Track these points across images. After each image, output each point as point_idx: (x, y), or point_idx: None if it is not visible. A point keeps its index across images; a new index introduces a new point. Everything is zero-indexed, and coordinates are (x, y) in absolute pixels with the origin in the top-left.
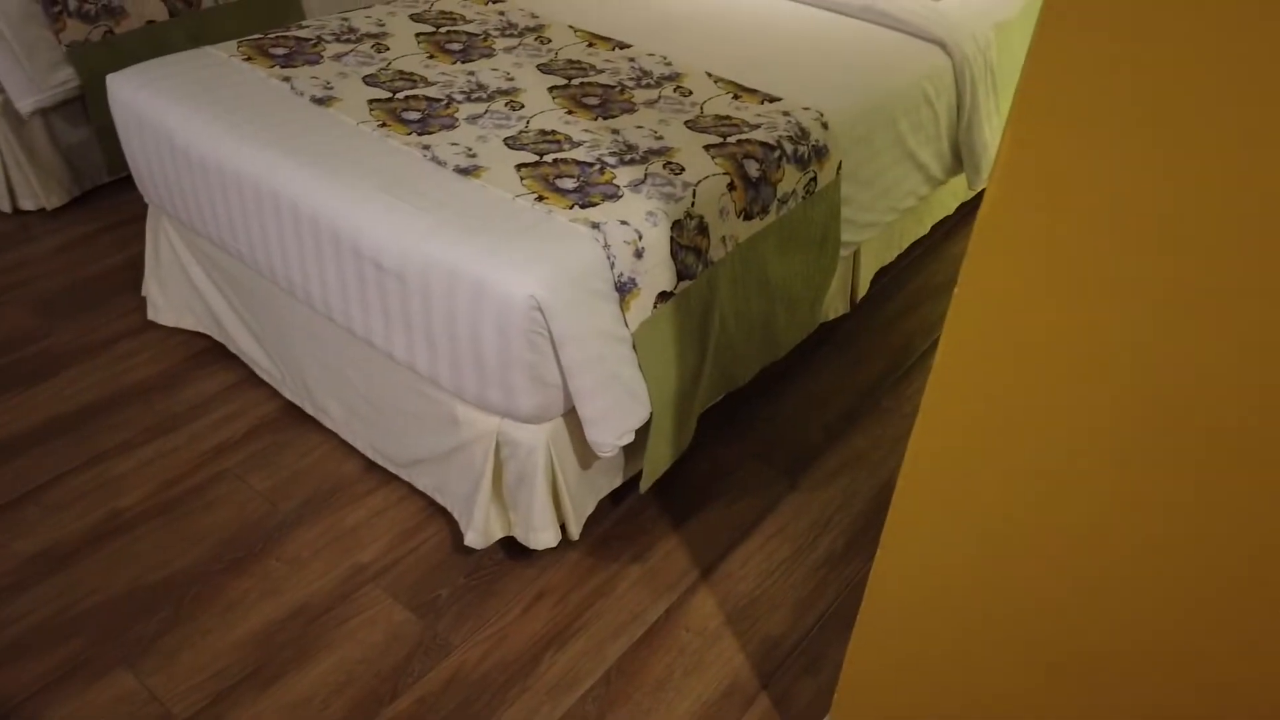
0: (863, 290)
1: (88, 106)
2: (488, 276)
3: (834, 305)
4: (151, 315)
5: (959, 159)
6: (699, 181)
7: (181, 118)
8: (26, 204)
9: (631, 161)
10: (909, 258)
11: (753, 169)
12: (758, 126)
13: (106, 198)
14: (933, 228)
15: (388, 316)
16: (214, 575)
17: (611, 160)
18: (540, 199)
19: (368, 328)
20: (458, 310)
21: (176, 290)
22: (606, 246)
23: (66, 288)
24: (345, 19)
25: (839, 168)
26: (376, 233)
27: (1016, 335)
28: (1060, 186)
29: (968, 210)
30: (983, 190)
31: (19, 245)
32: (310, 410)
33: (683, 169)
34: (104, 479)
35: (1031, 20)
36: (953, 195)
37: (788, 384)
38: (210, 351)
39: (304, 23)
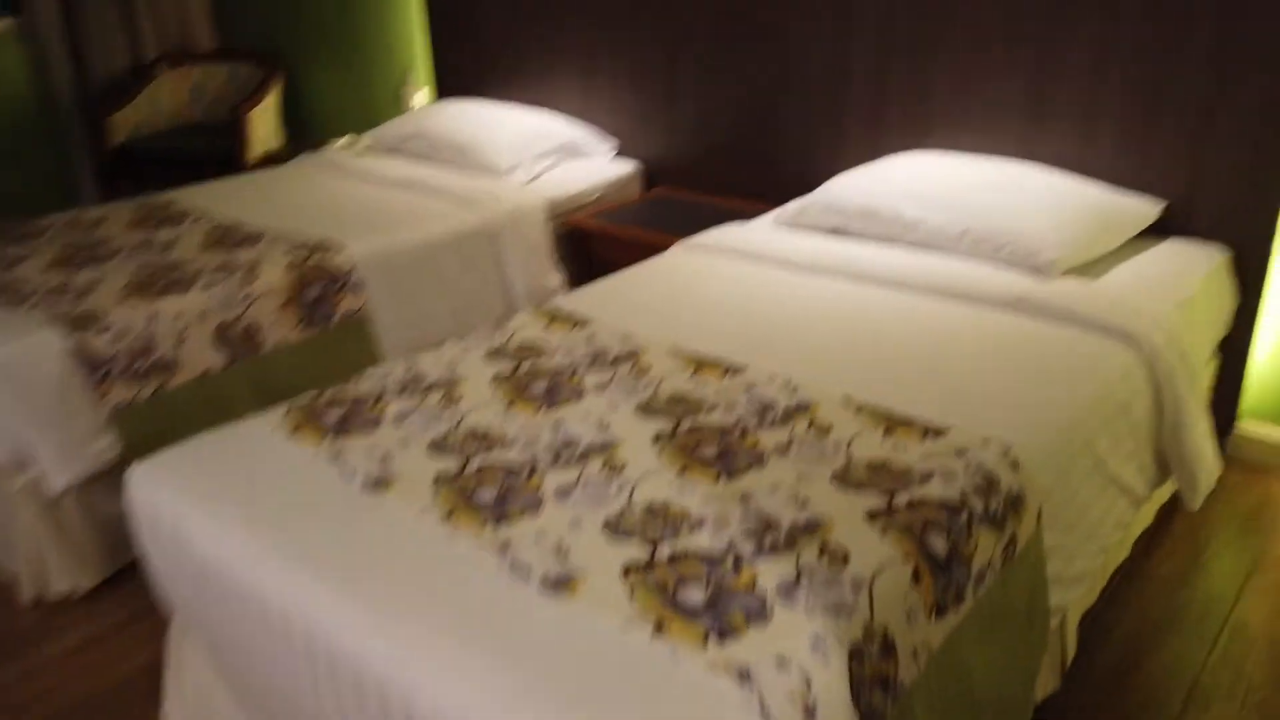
0: (1072, 653)
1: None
2: None
3: (1041, 684)
4: None
5: (1161, 468)
6: (873, 576)
7: (201, 523)
8: (54, 587)
9: (774, 548)
10: (1108, 591)
11: (938, 544)
12: (929, 476)
13: (140, 575)
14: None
15: None
16: None
17: (747, 547)
18: (659, 627)
19: None
20: None
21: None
22: (764, 711)
23: (81, 703)
24: (411, 364)
25: (1039, 517)
26: (438, 703)
27: None
28: None
29: (1166, 513)
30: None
31: (38, 645)
32: None
33: (846, 555)
34: None
35: (1214, 297)
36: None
37: None
38: None
39: (368, 371)
